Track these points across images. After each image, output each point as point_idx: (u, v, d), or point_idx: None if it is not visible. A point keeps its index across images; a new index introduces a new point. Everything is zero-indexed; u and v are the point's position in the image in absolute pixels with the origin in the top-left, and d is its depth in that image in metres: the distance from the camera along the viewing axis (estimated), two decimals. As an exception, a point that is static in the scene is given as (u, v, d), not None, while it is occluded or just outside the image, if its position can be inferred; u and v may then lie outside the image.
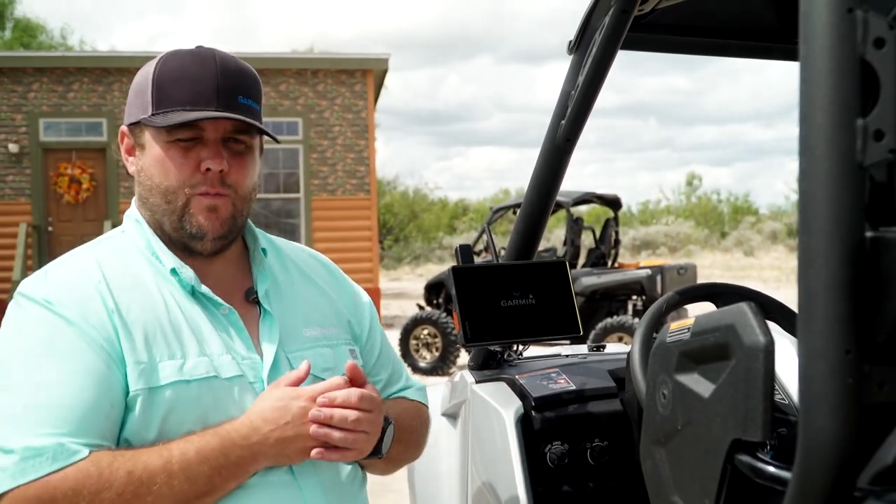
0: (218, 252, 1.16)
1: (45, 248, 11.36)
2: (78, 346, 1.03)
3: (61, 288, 1.07)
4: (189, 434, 1.03)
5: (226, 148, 1.12)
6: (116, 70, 11.66)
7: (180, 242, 1.14)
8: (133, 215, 1.18)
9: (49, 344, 1.03)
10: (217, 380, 1.07)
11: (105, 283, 1.08)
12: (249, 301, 1.18)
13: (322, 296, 1.27)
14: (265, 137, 1.18)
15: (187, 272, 1.12)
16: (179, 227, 1.13)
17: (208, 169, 1.10)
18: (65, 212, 11.63)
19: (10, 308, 1.09)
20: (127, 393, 1.04)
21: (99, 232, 10.83)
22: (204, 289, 1.13)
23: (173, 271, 1.12)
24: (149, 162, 1.13)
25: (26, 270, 10.51)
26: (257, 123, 1.12)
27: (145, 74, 1.13)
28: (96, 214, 11.61)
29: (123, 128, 1.17)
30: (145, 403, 1.04)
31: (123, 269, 1.12)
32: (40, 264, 10.86)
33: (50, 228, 11.58)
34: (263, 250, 1.22)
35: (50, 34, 27.53)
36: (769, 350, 0.94)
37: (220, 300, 1.14)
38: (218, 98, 1.09)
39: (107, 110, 11.63)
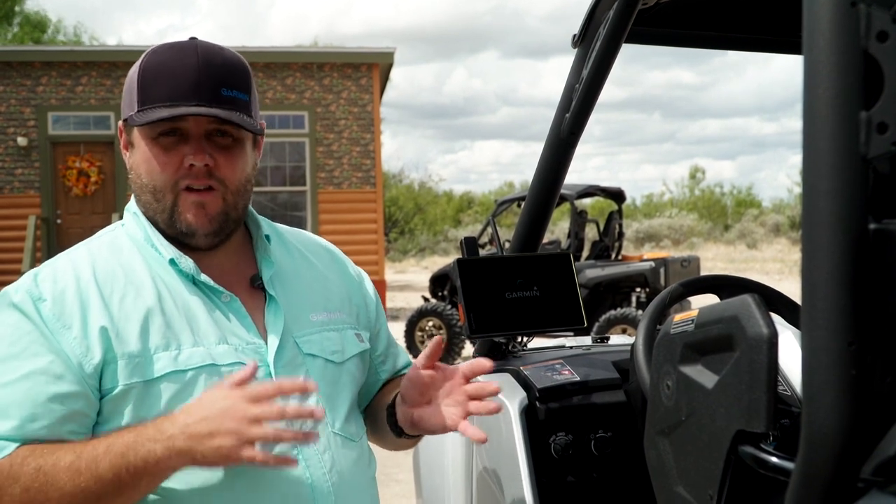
0: (216, 246, 1.16)
1: (53, 241, 11.41)
2: (37, 348, 1.03)
3: (43, 288, 1.07)
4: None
5: (211, 142, 1.10)
6: (124, 64, 11.68)
7: (175, 238, 1.14)
8: (132, 208, 1.18)
9: (9, 348, 1.04)
10: (214, 367, 1.08)
11: (94, 281, 1.08)
12: (255, 287, 1.18)
13: (327, 281, 1.27)
14: (265, 125, 1.17)
15: (186, 262, 1.13)
16: (171, 225, 1.13)
17: (192, 164, 1.09)
18: (73, 204, 11.68)
19: None
20: (102, 392, 1.04)
21: (107, 224, 10.83)
22: (204, 277, 1.13)
23: (172, 262, 1.13)
24: (137, 160, 1.13)
25: (35, 263, 10.56)
26: (231, 118, 1.08)
27: (133, 72, 1.13)
28: (104, 207, 11.66)
29: (120, 124, 1.18)
30: (140, 396, 1.04)
31: (117, 263, 1.12)
32: (49, 256, 10.91)
33: (58, 221, 11.63)
34: (267, 237, 1.22)
35: (58, 29, 27.53)
36: (772, 341, 0.95)
37: (220, 288, 1.14)
38: (198, 92, 1.07)
39: (115, 104, 11.65)
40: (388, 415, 1.20)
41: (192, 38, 1.14)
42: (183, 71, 1.08)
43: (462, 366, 1.15)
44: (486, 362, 1.14)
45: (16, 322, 1.05)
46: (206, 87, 1.08)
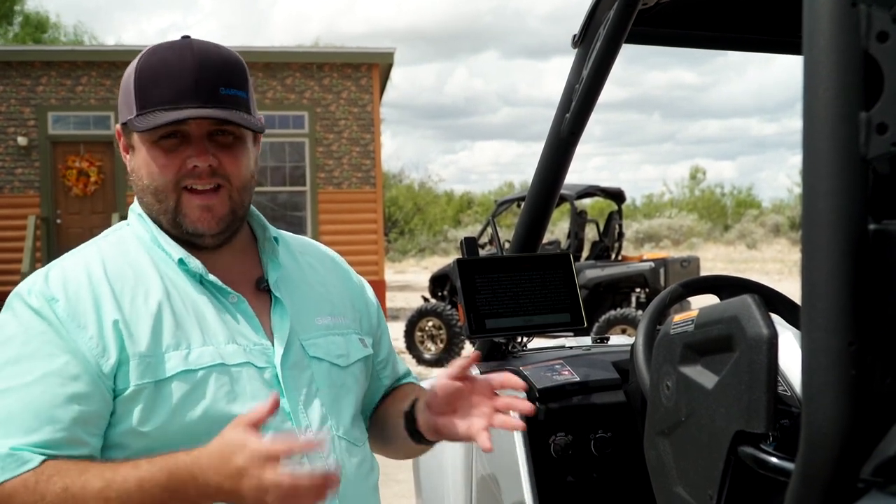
0: (222, 244, 1.16)
1: (53, 241, 11.41)
2: (51, 348, 1.02)
3: (54, 288, 1.06)
4: (150, 456, 0.99)
5: (213, 141, 1.10)
6: (124, 64, 11.60)
7: (181, 238, 1.14)
8: (136, 209, 1.18)
9: (22, 348, 1.03)
10: (223, 367, 1.08)
11: (107, 281, 1.08)
12: (260, 290, 1.18)
13: (331, 286, 1.27)
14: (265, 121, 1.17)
15: (194, 262, 1.12)
16: (176, 226, 1.12)
17: (196, 166, 1.09)
18: (73, 204, 11.67)
19: (4, 308, 1.09)
20: (115, 393, 1.03)
21: (107, 224, 10.89)
22: (212, 277, 1.13)
23: (181, 262, 1.12)
24: (138, 163, 1.13)
25: (35, 263, 10.56)
26: (234, 118, 1.08)
27: (129, 74, 1.12)
28: (104, 207, 11.65)
29: (118, 127, 1.17)
30: (152, 396, 1.04)
31: (126, 262, 1.12)
32: (49, 256, 10.91)
33: (58, 221, 11.62)
34: (275, 239, 1.22)
35: (59, 29, 27.55)
36: (772, 342, 0.95)
37: (228, 289, 1.14)
38: (198, 93, 1.07)
39: (115, 104, 11.51)
40: (407, 421, 1.19)
41: (186, 37, 1.13)
42: (180, 72, 1.07)
43: (493, 377, 1.13)
44: (517, 381, 1.11)
45: (28, 321, 1.04)
46: (204, 87, 1.07)
